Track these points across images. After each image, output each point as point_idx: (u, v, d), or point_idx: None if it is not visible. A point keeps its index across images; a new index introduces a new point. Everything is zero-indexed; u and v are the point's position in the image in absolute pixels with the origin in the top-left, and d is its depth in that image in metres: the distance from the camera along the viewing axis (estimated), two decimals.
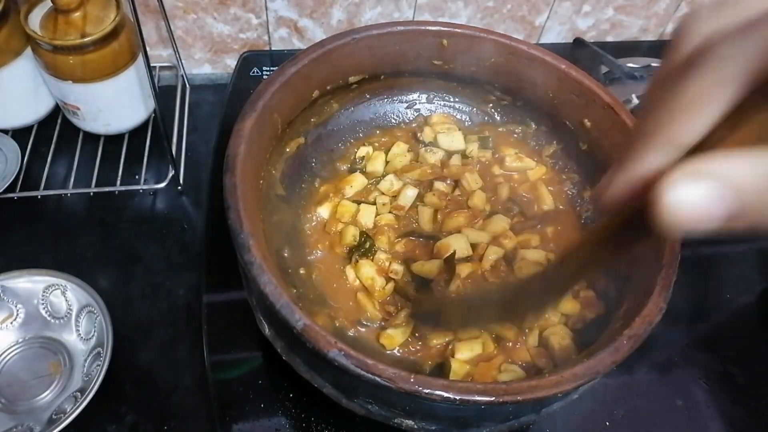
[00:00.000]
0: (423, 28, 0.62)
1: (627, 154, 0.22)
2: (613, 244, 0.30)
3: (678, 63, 0.21)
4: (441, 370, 0.52)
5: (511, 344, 0.53)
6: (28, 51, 0.69)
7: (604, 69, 0.87)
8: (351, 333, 0.54)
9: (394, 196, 0.62)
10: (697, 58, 0.20)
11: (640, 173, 0.21)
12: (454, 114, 0.70)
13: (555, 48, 0.64)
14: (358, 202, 0.61)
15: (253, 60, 0.86)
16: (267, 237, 0.52)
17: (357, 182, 0.63)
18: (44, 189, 0.73)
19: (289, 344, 0.48)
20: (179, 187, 0.75)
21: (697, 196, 0.18)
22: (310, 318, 0.41)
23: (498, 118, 0.69)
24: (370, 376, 0.39)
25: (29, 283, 0.61)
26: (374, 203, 0.62)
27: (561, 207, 0.63)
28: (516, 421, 0.48)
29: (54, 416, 0.56)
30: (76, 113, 0.73)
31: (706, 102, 0.19)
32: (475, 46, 0.62)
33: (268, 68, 0.85)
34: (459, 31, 0.61)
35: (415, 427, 0.46)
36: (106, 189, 0.73)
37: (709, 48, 0.19)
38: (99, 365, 0.56)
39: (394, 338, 0.53)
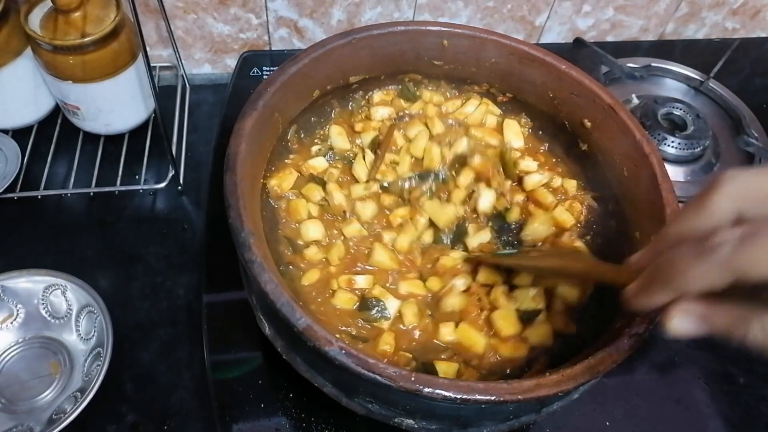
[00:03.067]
0: (423, 28, 0.62)
1: (652, 287, 0.33)
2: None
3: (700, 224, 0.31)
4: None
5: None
6: (28, 51, 0.69)
7: (604, 69, 0.87)
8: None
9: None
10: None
11: (660, 301, 0.33)
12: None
13: (555, 48, 0.64)
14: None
15: (253, 60, 0.86)
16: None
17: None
18: (44, 189, 0.73)
19: (290, 343, 0.48)
20: (179, 187, 0.75)
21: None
22: (311, 317, 0.41)
23: None
24: (370, 374, 0.39)
25: (29, 283, 0.61)
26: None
27: None
28: (516, 420, 0.48)
29: (54, 416, 0.56)
30: (76, 113, 0.73)
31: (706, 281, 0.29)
32: (475, 47, 0.62)
33: (268, 68, 0.85)
34: (459, 31, 0.61)
35: (416, 426, 0.46)
36: (106, 189, 0.73)
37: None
38: (99, 365, 0.56)
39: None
